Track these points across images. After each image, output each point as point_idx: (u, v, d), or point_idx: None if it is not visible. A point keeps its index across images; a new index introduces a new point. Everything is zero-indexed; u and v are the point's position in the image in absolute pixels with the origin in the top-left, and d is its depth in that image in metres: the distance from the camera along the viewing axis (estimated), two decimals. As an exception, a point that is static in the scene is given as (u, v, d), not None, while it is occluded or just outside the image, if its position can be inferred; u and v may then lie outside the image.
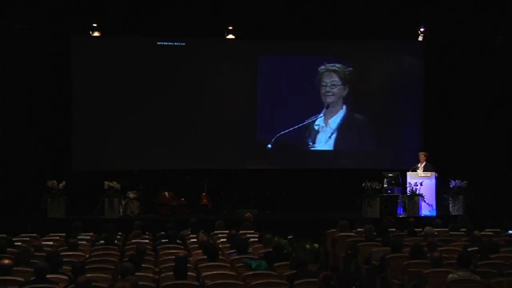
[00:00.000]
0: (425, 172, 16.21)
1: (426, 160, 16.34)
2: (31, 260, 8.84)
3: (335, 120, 18.20)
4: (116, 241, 11.30)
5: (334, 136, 18.20)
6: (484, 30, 16.92)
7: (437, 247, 9.86)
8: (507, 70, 16.98)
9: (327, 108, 18.11)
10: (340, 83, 18.16)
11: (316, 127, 18.16)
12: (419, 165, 16.39)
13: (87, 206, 15.70)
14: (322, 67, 18.12)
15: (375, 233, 11.54)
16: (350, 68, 18.18)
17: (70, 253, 9.93)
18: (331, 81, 18.17)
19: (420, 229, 12.08)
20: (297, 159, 18.04)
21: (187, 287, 7.93)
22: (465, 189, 16.35)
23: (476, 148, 17.17)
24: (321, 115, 18.10)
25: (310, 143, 18.18)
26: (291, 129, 17.81)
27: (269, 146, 17.80)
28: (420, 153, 16.55)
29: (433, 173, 16.17)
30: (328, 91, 18.15)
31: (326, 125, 18.17)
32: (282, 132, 17.73)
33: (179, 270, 8.07)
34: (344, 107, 18.20)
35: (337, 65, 18.19)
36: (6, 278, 7.82)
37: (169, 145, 17.48)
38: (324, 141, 18.20)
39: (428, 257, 9.06)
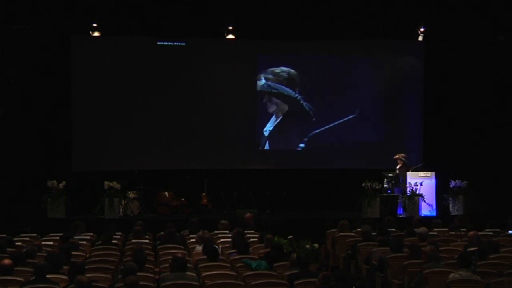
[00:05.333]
0: (425, 172, 16.22)
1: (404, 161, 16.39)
2: (31, 260, 8.84)
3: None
4: (115, 241, 11.29)
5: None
6: (485, 30, 16.91)
7: (433, 243, 9.83)
8: (508, 69, 16.97)
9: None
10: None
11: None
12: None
13: (87, 206, 15.69)
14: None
15: (374, 233, 11.55)
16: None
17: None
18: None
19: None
20: (297, 159, 18.05)
21: (187, 287, 7.93)
22: (465, 189, 16.35)
23: (476, 148, 17.16)
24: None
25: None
26: None
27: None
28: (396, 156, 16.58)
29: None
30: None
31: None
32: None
33: (178, 270, 8.06)
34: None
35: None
36: (7, 278, 7.82)
37: (169, 145, 17.48)
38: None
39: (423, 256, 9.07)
